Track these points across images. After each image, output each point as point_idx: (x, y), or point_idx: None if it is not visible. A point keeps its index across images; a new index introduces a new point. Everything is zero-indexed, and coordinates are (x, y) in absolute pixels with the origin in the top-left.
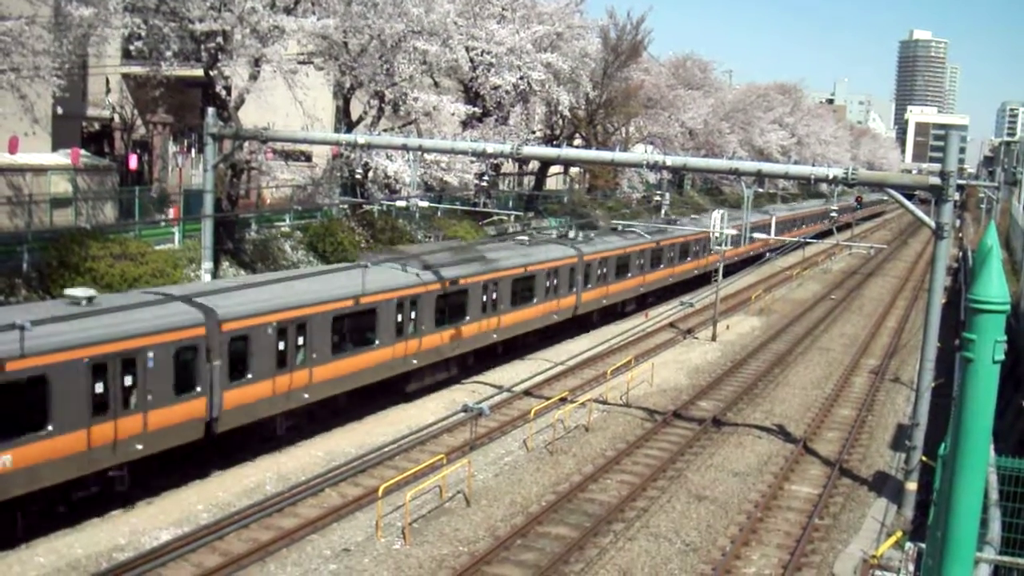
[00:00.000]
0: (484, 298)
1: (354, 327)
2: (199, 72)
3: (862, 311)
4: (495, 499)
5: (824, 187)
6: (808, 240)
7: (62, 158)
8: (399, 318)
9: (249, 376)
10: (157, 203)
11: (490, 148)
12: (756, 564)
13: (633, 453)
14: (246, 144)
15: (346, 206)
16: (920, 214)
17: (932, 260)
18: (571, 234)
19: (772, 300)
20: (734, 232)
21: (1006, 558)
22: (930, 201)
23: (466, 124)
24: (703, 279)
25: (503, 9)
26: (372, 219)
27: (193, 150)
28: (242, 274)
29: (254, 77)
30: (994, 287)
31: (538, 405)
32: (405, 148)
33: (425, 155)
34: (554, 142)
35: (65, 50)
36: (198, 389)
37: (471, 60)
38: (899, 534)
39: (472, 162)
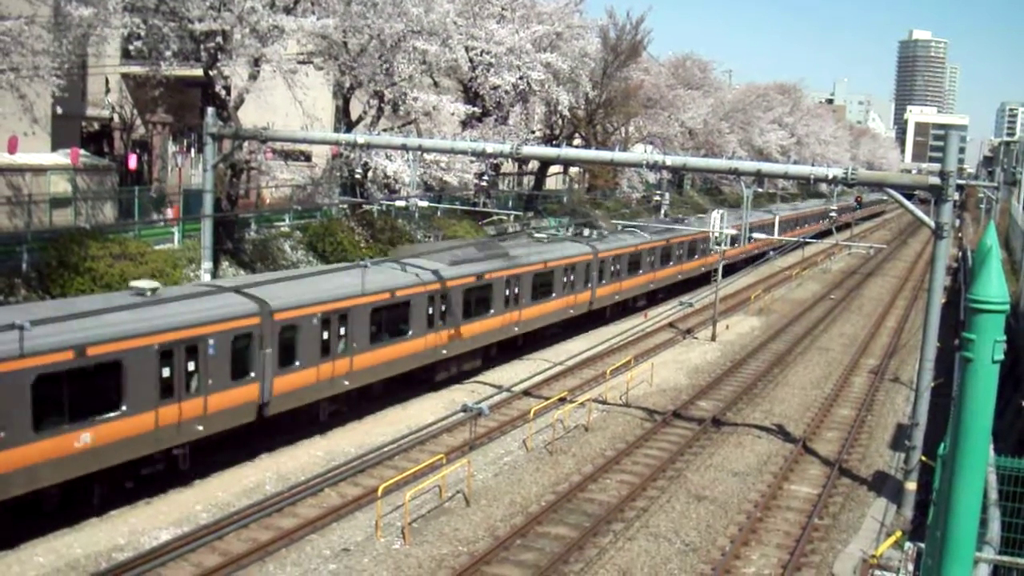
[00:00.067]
0: (507, 292)
1: (390, 318)
2: (198, 72)
3: (862, 311)
4: (495, 499)
5: (824, 187)
6: (808, 240)
7: (61, 158)
8: (430, 311)
9: (297, 363)
10: (155, 203)
11: (490, 148)
12: (756, 564)
13: (633, 453)
14: (246, 144)
15: (345, 206)
16: (920, 214)
17: (931, 260)
18: (586, 232)
19: (771, 300)
20: (734, 232)
21: (1005, 558)
22: (930, 201)
23: (465, 124)
24: (710, 276)
25: (502, 9)
26: (371, 219)
27: (192, 150)
28: (242, 273)
29: (253, 77)
30: (993, 287)
31: (537, 405)
32: (404, 148)
33: (425, 155)
34: (554, 142)
35: (64, 50)
36: (252, 375)
37: (470, 60)
38: (898, 534)
39: (472, 162)
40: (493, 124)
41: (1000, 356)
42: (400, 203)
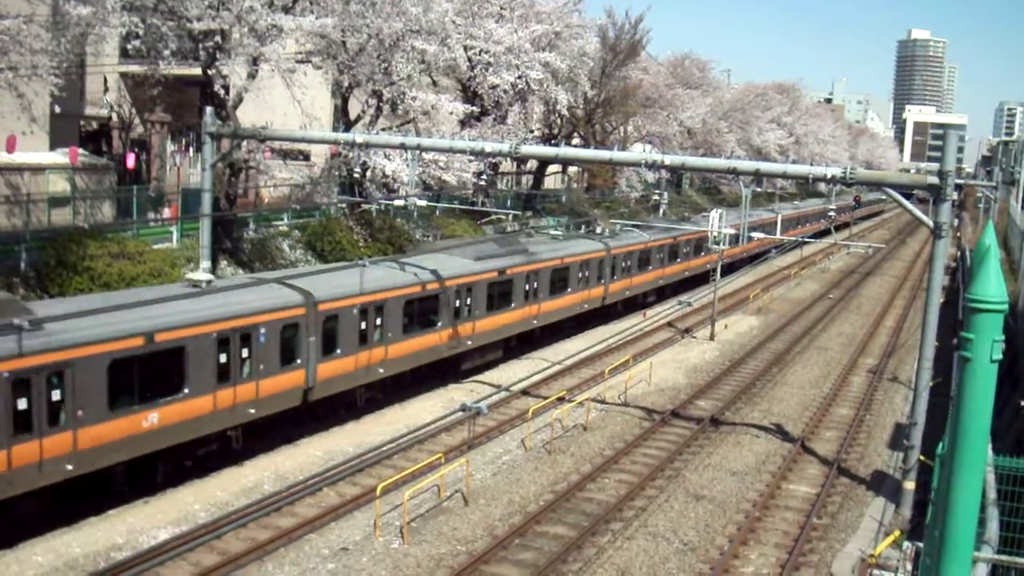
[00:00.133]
0: (526, 287)
1: (421, 310)
2: (197, 71)
3: (860, 310)
4: (493, 498)
5: (822, 186)
6: (808, 240)
7: (60, 157)
8: (457, 303)
9: (338, 351)
10: (154, 202)
11: (488, 147)
12: (754, 563)
13: (631, 452)
14: (244, 143)
15: (344, 205)
16: (918, 213)
17: (930, 259)
18: (599, 229)
19: (770, 299)
20: (733, 231)
21: (1004, 557)
22: (928, 200)
23: (464, 123)
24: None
25: (501, 8)
26: (370, 218)
27: (191, 149)
28: (240, 273)
29: (252, 76)
30: (992, 287)
31: (536, 404)
32: (403, 147)
33: (423, 154)
34: (552, 141)
35: (63, 49)
36: (298, 361)
37: (469, 59)
38: (897, 533)
39: (470, 161)
40: (492, 123)
41: (998, 356)
42: (399, 202)
